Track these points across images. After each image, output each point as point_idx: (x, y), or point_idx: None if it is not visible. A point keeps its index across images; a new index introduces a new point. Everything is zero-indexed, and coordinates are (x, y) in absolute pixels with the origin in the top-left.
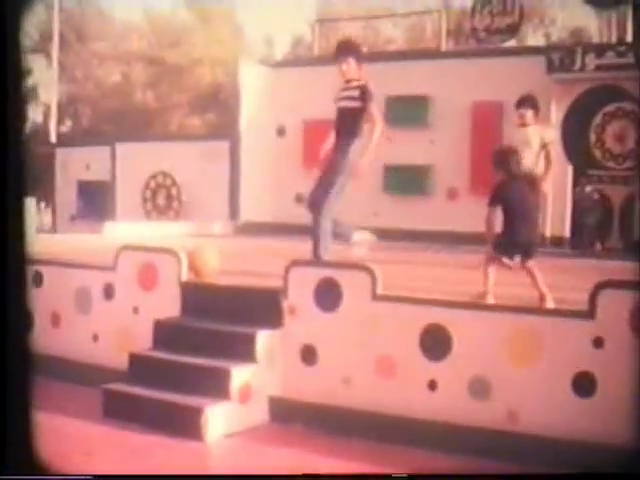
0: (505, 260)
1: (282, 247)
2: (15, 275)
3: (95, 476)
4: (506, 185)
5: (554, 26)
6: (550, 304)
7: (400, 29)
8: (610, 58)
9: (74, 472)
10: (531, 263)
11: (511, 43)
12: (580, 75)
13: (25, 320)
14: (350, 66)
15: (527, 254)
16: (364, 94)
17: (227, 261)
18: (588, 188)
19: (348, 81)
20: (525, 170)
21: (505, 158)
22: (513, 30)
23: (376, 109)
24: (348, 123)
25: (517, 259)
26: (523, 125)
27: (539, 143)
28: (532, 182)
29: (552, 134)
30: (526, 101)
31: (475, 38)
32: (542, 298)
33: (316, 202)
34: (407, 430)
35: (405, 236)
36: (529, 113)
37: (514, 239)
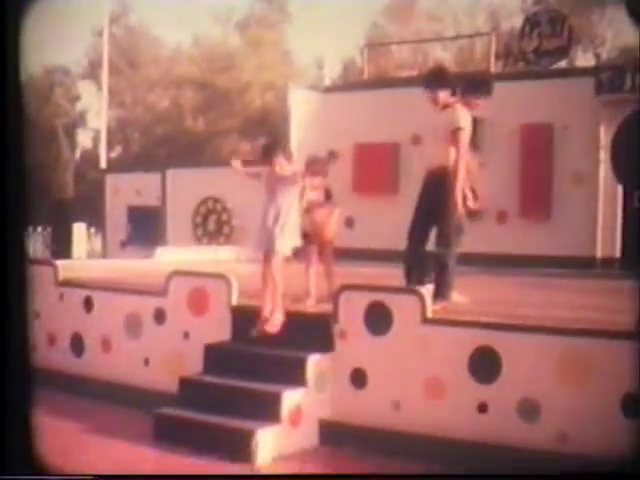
0: None
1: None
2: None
3: (95, 476)
4: None
5: (604, 46)
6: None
7: (449, 52)
8: None
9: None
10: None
11: (561, 64)
12: (630, 96)
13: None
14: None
15: None
16: None
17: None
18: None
19: None
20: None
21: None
22: (562, 52)
23: None
24: None
25: None
26: (444, 107)
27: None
28: (433, 175)
29: (468, 119)
30: (432, 81)
31: (524, 60)
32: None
33: None
34: (457, 452)
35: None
36: (441, 94)
37: None
